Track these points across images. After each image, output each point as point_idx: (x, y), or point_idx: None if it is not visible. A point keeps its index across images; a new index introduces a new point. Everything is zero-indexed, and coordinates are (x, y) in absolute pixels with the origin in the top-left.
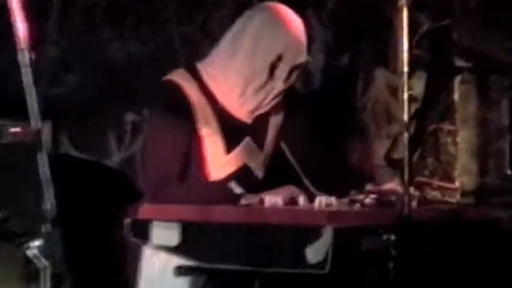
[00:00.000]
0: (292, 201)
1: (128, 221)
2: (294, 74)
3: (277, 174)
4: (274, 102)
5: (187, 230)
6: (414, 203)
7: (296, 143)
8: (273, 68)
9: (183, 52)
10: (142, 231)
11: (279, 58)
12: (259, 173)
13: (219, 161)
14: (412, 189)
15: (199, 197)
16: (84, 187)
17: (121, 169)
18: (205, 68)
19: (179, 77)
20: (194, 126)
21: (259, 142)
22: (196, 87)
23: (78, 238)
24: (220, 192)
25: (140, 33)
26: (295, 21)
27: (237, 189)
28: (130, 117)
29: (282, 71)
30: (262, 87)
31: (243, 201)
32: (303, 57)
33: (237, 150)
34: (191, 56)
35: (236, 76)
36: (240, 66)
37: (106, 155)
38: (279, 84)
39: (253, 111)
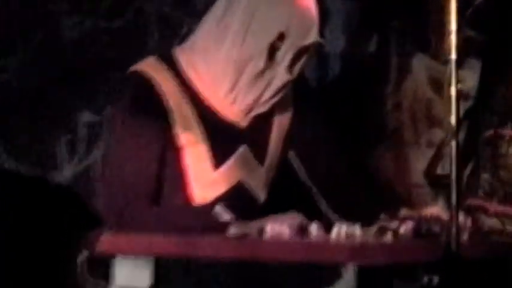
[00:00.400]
0: (303, 231)
1: (83, 255)
2: (301, 61)
3: (283, 195)
4: (275, 98)
5: (162, 268)
6: (465, 234)
7: (308, 153)
8: (272, 50)
9: (158, 34)
10: (102, 269)
11: (281, 37)
12: (259, 194)
13: (204, 179)
14: (461, 216)
15: (175, 225)
16: (24, 211)
17: (74, 186)
18: (184, 54)
19: (150, 67)
20: (170, 132)
21: (259, 152)
22: (172, 79)
23: (17, 278)
24: (201, 221)
25: (102, 7)
26: None
27: (225, 215)
28: (86, 117)
29: (284, 55)
30: (258, 76)
31: (234, 230)
32: (312, 37)
33: (229, 163)
34: (169, 39)
35: (224, 64)
36: (228, 51)
37: (54, 168)
38: (281, 73)
39: (248, 111)
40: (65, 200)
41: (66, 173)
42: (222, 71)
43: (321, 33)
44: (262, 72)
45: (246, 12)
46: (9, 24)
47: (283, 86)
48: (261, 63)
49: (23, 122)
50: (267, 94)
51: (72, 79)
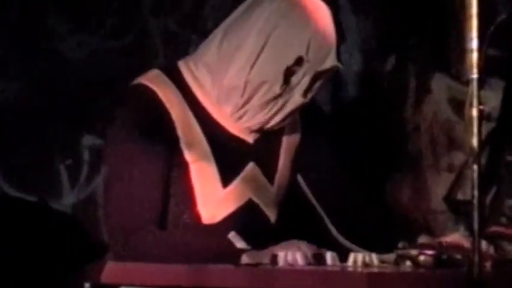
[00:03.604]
0: (318, 259)
1: (86, 286)
2: (317, 84)
3: (293, 217)
4: (286, 121)
5: None
6: (488, 263)
7: (319, 177)
8: (288, 74)
9: (164, 53)
10: None
11: (298, 62)
12: (270, 214)
13: (213, 196)
14: (484, 244)
15: (184, 248)
16: (23, 241)
17: (75, 215)
18: (189, 68)
19: (154, 80)
20: (175, 148)
21: (268, 170)
22: (176, 93)
23: None
24: (214, 242)
25: (105, 26)
26: (321, 11)
27: (239, 243)
28: (88, 141)
29: (301, 79)
30: (271, 100)
31: (246, 259)
32: (330, 62)
33: (238, 180)
34: (176, 58)
35: (233, 83)
36: (240, 71)
37: (55, 195)
38: (296, 98)
39: (255, 129)
40: (66, 229)
41: (67, 201)
42: (228, 89)
43: (338, 56)
44: (276, 96)
45: (263, 33)
46: (10, 45)
47: (296, 109)
48: (276, 88)
49: (22, 147)
50: (278, 117)
51: (74, 101)
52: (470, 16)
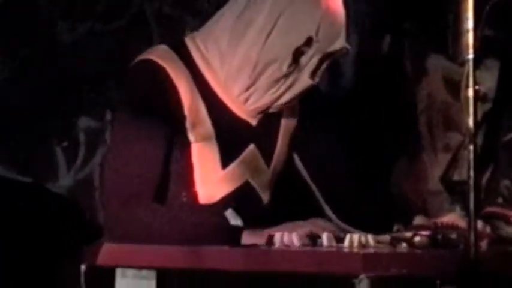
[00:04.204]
0: (313, 240)
1: (82, 268)
2: (325, 65)
3: (287, 198)
4: (292, 102)
5: (165, 281)
6: (483, 243)
7: (316, 158)
8: (297, 54)
9: (159, 35)
10: (102, 282)
11: (308, 42)
12: (263, 196)
13: (212, 177)
14: (480, 224)
15: (182, 225)
16: (18, 223)
17: (72, 197)
18: (196, 45)
19: (161, 56)
20: (179, 126)
21: (266, 153)
22: (184, 71)
23: None
24: (212, 221)
25: (100, 8)
26: None
27: (235, 221)
28: (85, 123)
29: (309, 60)
30: (279, 80)
31: (245, 239)
32: (340, 43)
33: (237, 162)
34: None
35: (242, 62)
36: (248, 49)
37: (51, 177)
38: (303, 78)
39: (260, 111)
40: (62, 211)
41: (63, 182)
42: (238, 68)
43: (347, 38)
44: (284, 76)
45: (273, 11)
46: (3, 29)
47: (303, 91)
48: (284, 67)
49: (18, 129)
50: (285, 98)
51: (70, 84)
52: None
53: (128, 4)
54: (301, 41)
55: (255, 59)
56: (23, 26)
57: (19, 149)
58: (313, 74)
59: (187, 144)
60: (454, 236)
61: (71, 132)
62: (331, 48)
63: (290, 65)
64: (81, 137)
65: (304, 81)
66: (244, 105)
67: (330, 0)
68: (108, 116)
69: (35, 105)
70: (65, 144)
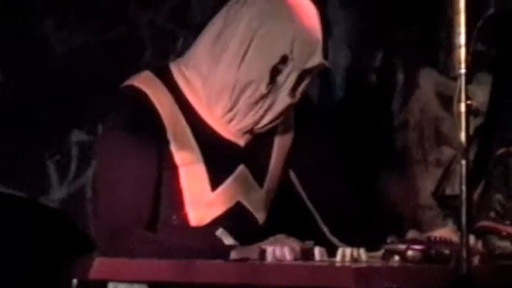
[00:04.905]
0: (306, 255)
1: (74, 282)
2: (304, 83)
3: (283, 217)
4: (276, 121)
5: None
6: (475, 259)
7: (310, 174)
8: (274, 73)
9: (152, 47)
10: None
11: (283, 60)
12: (258, 215)
13: (202, 199)
14: (472, 239)
15: (173, 248)
16: (10, 236)
17: (64, 210)
18: (179, 70)
19: (144, 82)
20: (165, 150)
21: (259, 173)
22: (167, 95)
23: None
24: (203, 242)
25: (93, 20)
26: (306, 9)
27: (227, 240)
28: (77, 136)
29: (286, 78)
30: (258, 101)
31: (234, 255)
32: (316, 59)
33: (227, 183)
34: (164, 53)
35: (221, 85)
36: (226, 72)
37: (43, 191)
38: (282, 97)
39: (246, 132)
40: (54, 225)
41: (55, 195)
42: (218, 91)
43: (325, 53)
44: (262, 96)
45: (246, 33)
46: None
47: (284, 109)
48: (262, 88)
49: (8, 142)
50: (267, 118)
51: (62, 96)
52: (458, 11)
53: (122, 16)
54: (276, 59)
55: (233, 81)
56: (15, 38)
57: (12, 163)
58: (292, 92)
59: (175, 168)
60: (447, 251)
61: (63, 145)
62: (309, 65)
63: (268, 85)
64: (74, 151)
65: (283, 99)
66: (228, 126)
67: (304, 17)
68: (101, 130)
69: (27, 118)
70: (57, 157)
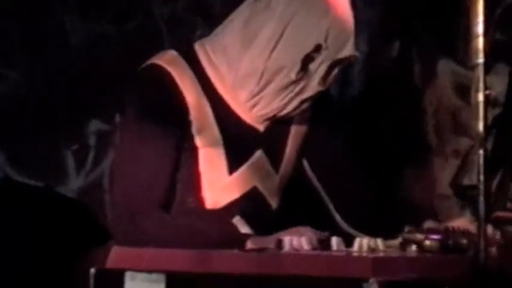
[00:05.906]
0: (323, 245)
1: (91, 271)
2: (334, 72)
3: (296, 204)
4: (301, 108)
5: (174, 284)
6: (493, 248)
7: (325, 163)
8: (306, 60)
9: (170, 38)
10: (112, 285)
11: (317, 49)
12: (272, 201)
13: (218, 183)
14: (490, 229)
15: (188, 232)
16: (28, 226)
17: (81, 200)
18: (205, 51)
19: (168, 61)
20: (186, 132)
21: (275, 159)
22: (191, 76)
23: None
24: (218, 227)
25: (110, 10)
26: None
27: (243, 228)
28: (95, 126)
29: (318, 67)
30: (287, 87)
31: (251, 244)
32: (349, 50)
33: (245, 168)
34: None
35: (249, 69)
36: (256, 57)
37: (60, 180)
38: (312, 85)
39: (268, 117)
40: (72, 214)
41: (72, 185)
42: (245, 75)
43: (356, 45)
44: (292, 83)
45: (282, 20)
46: (14, 32)
47: (312, 97)
48: (292, 75)
49: (28, 133)
50: (293, 104)
51: (80, 86)
52: (476, 0)
53: (140, 6)
54: (309, 48)
55: (262, 68)
56: (34, 30)
57: (30, 153)
58: (322, 81)
59: (194, 150)
60: (464, 241)
61: (81, 135)
62: (340, 55)
63: (299, 72)
64: (91, 140)
65: (313, 87)
66: (251, 111)
67: (338, 8)
68: (118, 119)
69: (45, 108)
70: (75, 147)
